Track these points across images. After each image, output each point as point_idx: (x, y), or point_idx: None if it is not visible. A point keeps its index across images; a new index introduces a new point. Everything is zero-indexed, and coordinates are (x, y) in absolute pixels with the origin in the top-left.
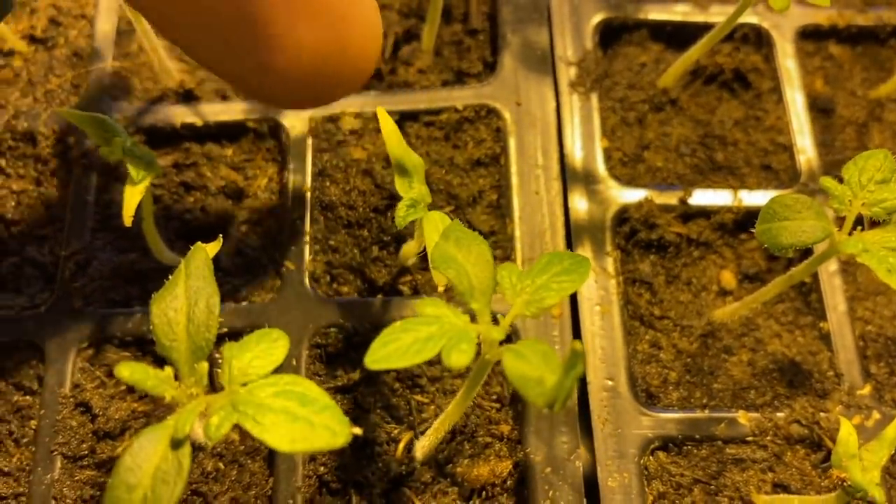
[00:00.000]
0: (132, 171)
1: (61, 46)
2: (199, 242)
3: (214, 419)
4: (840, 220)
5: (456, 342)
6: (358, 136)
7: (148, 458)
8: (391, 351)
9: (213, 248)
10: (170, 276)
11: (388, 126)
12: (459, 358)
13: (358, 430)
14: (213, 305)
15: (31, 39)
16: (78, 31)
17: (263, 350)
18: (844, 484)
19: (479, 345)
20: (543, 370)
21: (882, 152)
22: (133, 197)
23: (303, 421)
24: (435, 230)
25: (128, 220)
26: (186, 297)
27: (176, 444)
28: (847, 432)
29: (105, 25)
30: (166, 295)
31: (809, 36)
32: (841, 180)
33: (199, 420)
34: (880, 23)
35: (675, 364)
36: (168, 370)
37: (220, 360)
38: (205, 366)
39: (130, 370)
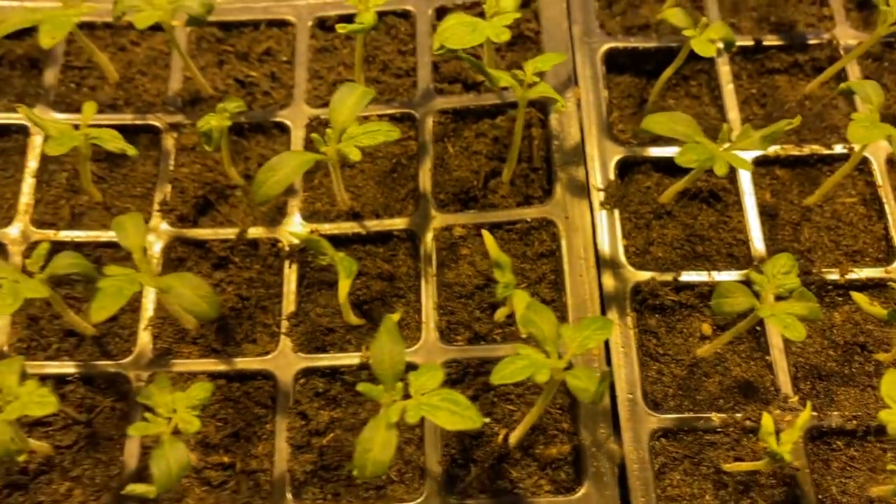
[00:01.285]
0: (342, 272)
1: None
2: (389, 314)
3: (410, 412)
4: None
5: (538, 369)
6: (464, 239)
7: (374, 434)
8: (505, 373)
9: (396, 317)
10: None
11: (489, 240)
12: (541, 377)
13: (487, 419)
14: (401, 350)
15: (247, 177)
16: None
17: (430, 376)
18: (767, 451)
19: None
20: (588, 383)
21: (786, 255)
22: (344, 287)
23: (457, 414)
24: (522, 303)
25: (342, 298)
26: (388, 346)
27: (388, 427)
28: (766, 419)
29: None
30: (376, 344)
31: (761, 164)
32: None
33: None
34: (810, 153)
35: (672, 384)
36: (380, 387)
37: (407, 381)
38: (400, 384)
39: (365, 387)
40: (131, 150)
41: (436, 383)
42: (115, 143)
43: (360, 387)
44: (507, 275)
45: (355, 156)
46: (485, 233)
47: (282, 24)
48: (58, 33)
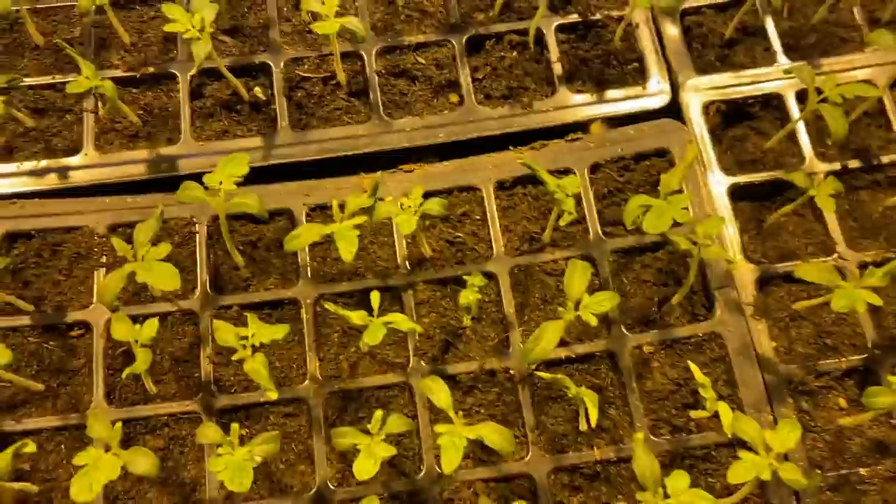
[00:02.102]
0: (589, 403)
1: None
2: (635, 434)
3: None
4: None
5: (760, 470)
6: (652, 354)
7: None
8: (736, 475)
9: (640, 436)
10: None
11: (695, 369)
12: (765, 475)
13: None
14: (655, 462)
15: (472, 319)
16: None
17: (680, 480)
18: None
19: None
20: (797, 476)
21: None
22: (593, 413)
23: None
24: (728, 413)
25: (593, 421)
26: (646, 460)
27: None
28: None
29: (507, 307)
30: (637, 460)
31: (863, 266)
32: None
33: None
34: None
35: (826, 449)
36: (647, 493)
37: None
38: (661, 489)
39: (641, 495)
40: (419, 329)
41: (685, 485)
42: (407, 324)
43: (639, 495)
44: (710, 391)
45: (594, 322)
46: (691, 364)
47: (470, 188)
48: (352, 247)
